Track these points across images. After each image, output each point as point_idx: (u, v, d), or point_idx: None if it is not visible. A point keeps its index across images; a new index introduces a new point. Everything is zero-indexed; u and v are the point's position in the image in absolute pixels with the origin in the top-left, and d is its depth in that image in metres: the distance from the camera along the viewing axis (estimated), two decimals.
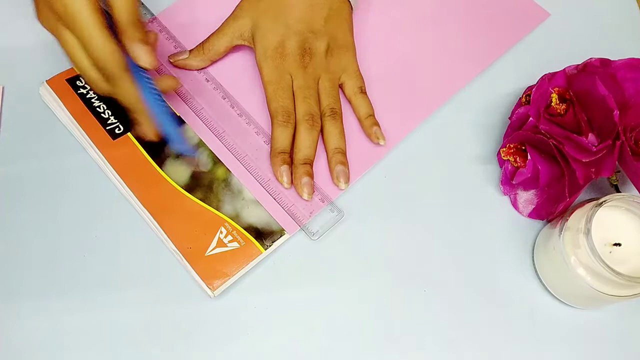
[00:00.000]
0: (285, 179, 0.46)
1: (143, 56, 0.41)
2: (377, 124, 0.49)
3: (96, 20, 0.39)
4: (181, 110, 0.49)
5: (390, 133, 0.49)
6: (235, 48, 0.51)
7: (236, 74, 0.52)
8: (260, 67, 0.49)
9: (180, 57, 0.50)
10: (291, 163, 0.47)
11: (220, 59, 0.51)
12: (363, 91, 0.50)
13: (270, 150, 0.47)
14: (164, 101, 0.45)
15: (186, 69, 0.51)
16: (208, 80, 0.51)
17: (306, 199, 0.46)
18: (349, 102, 0.50)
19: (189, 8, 0.55)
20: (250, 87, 0.51)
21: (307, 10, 0.48)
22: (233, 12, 0.51)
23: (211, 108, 0.50)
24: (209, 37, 0.51)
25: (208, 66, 0.51)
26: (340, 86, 0.51)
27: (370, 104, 0.50)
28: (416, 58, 0.53)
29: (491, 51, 0.54)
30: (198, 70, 0.51)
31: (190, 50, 0.51)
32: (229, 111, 0.50)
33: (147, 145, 0.48)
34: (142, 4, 0.54)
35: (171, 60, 0.51)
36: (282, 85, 0.48)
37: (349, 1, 0.51)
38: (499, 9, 0.56)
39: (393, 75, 0.52)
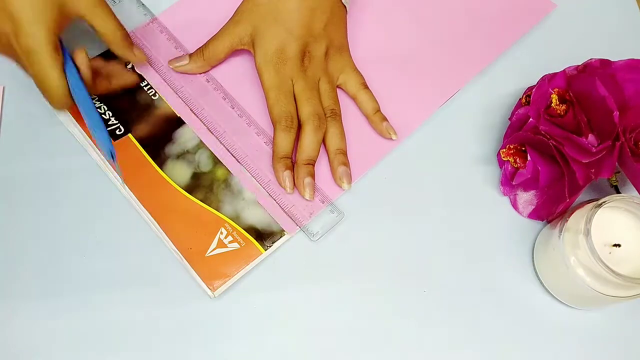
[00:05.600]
0: (288, 184, 0.46)
1: (139, 57, 0.49)
2: (385, 118, 0.49)
3: (53, 61, 0.42)
4: (182, 110, 0.50)
5: None
6: (235, 51, 0.51)
7: (237, 75, 0.52)
8: (261, 72, 0.48)
9: (180, 64, 0.50)
10: (293, 164, 0.47)
11: (220, 63, 0.52)
12: (365, 86, 0.50)
13: (273, 155, 0.47)
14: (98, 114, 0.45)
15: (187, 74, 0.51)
16: (208, 81, 0.51)
17: (308, 198, 0.46)
18: (353, 99, 0.50)
19: (189, 8, 0.55)
20: (251, 88, 0.51)
21: (308, 14, 0.48)
22: (232, 17, 0.50)
23: (211, 109, 0.50)
24: (208, 42, 0.50)
25: (208, 70, 0.51)
26: (340, 86, 0.51)
27: (375, 98, 0.50)
28: (416, 58, 0.53)
29: (497, 44, 0.53)
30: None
31: (190, 56, 0.51)
32: (230, 112, 0.50)
33: (148, 146, 0.48)
34: (142, 4, 0.54)
35: (171, 67, 0.51)
36: (284, 90, 0.48)
37: (344, 4, 0.51)
38: (505, 1, 0.56)
39: (392, 76, 0.52)
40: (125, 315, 0.43)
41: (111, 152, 0.43)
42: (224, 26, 0.50)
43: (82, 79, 0.44)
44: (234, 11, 0.50)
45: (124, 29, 0.47)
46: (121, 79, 0.50)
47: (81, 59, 0.44)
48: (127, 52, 0.48)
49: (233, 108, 0.50)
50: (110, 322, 0.43)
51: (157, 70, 0.51)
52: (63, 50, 0.43)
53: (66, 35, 0.45)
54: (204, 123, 0.49)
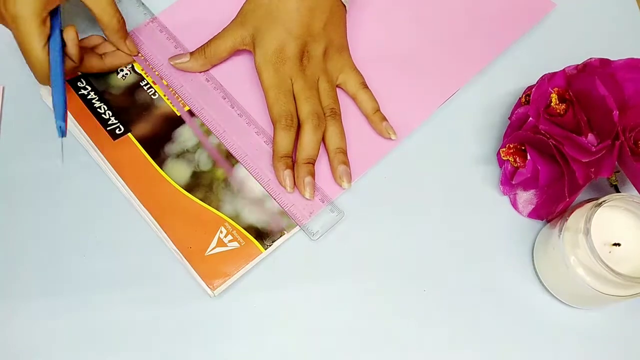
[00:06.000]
0: (289, 182, 0.46)
1: (130, 48, 0.50)
2: (385, 118, 0.49)
3: (36, 32, 0.42)
4: (181, 110, 0.50)
5: None
6: (236, 51, 0.51)
7: (236, 74, 0.52)
8: (260, 71, 0.49)
9: (181, 61, 0.50)
10: (293, 163, 0.47)
11: (221, 62, 0.52)
12: (365, 86, 0.50)
13: (273, 154, 0.47)
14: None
15: (187, 72, 0.51)
16: (208, 81, 0.51)
17: (308, 197, 0.46)
18: (353, 98, 0.50)
19: (189, 8, 0.55)
20: (251, 87, 0.51)
21: (307, 14, 0.48)
22: (236, 17, 0.50)
23: (211, 108, 0.50)
24: (210, 40, 0.50)
25: (209, 69, 0.51)
26: (340, 86, 0.51)
27: (374, 97, 0.50)
28: (415, 57, 0.53)
29: (497, 43, 0.53)
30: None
31: (191, 53, 0.51)
32: (229, 111, 0.50)
33: (148, 146, 0.48)
34: (142, 3, 0.54)
35: (172, 63, 0.51)
36: (284, 89, 0.48)
37: (344, 3, 0.51)
38: (505, 0, 0.56)
39: (392, 75, 0.52)
40: (125, 315, 0.43)
41: (60, 127, 0.43)
42: (227, 26, 0.50)
43: (63, 55, 0.45)
44: (237, 11, 0.50)
45: (122, 17, 0.48)
46: (115, 58, 0.50)
47: (70, 35, 0.45)
48: (120, 41, 0.49)
49: (233, 107, 0.50)
50: (110, 322, 0.43)
51: (157, 69, 0.51)
52: (54, 25, 0.44)
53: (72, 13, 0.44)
54: (204, 122, 0.49)
